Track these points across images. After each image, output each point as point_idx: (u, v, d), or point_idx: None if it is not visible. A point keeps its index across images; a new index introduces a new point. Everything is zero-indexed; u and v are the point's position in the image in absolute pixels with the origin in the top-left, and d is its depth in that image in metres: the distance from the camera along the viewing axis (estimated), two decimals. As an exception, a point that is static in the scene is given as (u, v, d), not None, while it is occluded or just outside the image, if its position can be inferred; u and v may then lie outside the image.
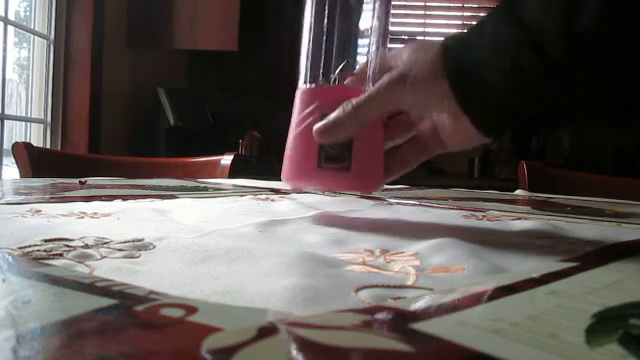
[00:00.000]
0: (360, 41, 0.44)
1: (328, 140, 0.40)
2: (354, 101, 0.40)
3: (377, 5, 0.44)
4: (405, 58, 0.40)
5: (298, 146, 0.42)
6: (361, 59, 0.44)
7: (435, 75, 0.37)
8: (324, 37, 0.43)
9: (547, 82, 0.35)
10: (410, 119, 0.44)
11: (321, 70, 0.43)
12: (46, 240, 0.30)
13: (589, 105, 0.37)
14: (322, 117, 0.41)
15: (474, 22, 0.38)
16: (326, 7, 0.43)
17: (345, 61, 0.43)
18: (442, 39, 0.39)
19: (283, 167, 0.43)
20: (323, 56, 0.43)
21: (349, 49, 0.44)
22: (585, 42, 0.33)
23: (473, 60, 0.37)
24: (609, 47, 0.33)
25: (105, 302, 0.18)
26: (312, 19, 0.44)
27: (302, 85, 0.44)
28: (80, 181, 0.76)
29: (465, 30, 0.39)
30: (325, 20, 0.43)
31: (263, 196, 0.65)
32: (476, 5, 2.86)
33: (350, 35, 0.44)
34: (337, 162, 0.40)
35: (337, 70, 0.43)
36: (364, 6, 0.44)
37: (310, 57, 0.44)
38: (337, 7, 0.43)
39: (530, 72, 0.35)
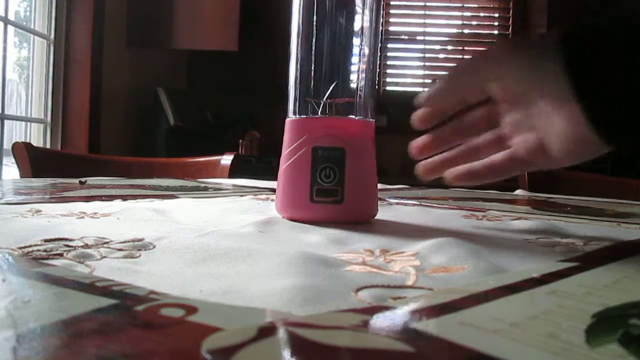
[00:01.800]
0: (349, 66, 0.44)
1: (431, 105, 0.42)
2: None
3: (366, 28, 0.43)
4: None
5: (290, 180, 0.42)
6: (350, 83, 0.43)
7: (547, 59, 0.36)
8: (312, 65, 0.42)
9: None
10: (490, 113, 0.41)
11: (311, 99, 0.43)
12: (46, 240, 0.30)
13: None
14: (313, 151, 0.41)
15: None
16: (314, 34, 0.42)
17: (334, 83, 0.43)
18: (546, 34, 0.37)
19: (276, 199, 0.44)
20: (312, 84, 0.43)
21: (337, 73, 0.43)
22: None
23: (595, 57, 0.34)
24: None
25: (105, 302, 0.18)
26: (298, 48, 0.43)
27: (291, 115, 0.44)
28: (80, 181, 0.76)
29: (575, 26, 0.36)
30: (313, 48, 0.42)
31: (263, 196, 0.65)
32: (476, 5, 2.86)
33: (338, 59, 0.44)
34: (330, 195, 0.40)
35: (326, 97, 0.42)
36: (352, 29, 0.44)
37: (298, 85, 0.43)
38: (324, 33, 0.43)
39: None
